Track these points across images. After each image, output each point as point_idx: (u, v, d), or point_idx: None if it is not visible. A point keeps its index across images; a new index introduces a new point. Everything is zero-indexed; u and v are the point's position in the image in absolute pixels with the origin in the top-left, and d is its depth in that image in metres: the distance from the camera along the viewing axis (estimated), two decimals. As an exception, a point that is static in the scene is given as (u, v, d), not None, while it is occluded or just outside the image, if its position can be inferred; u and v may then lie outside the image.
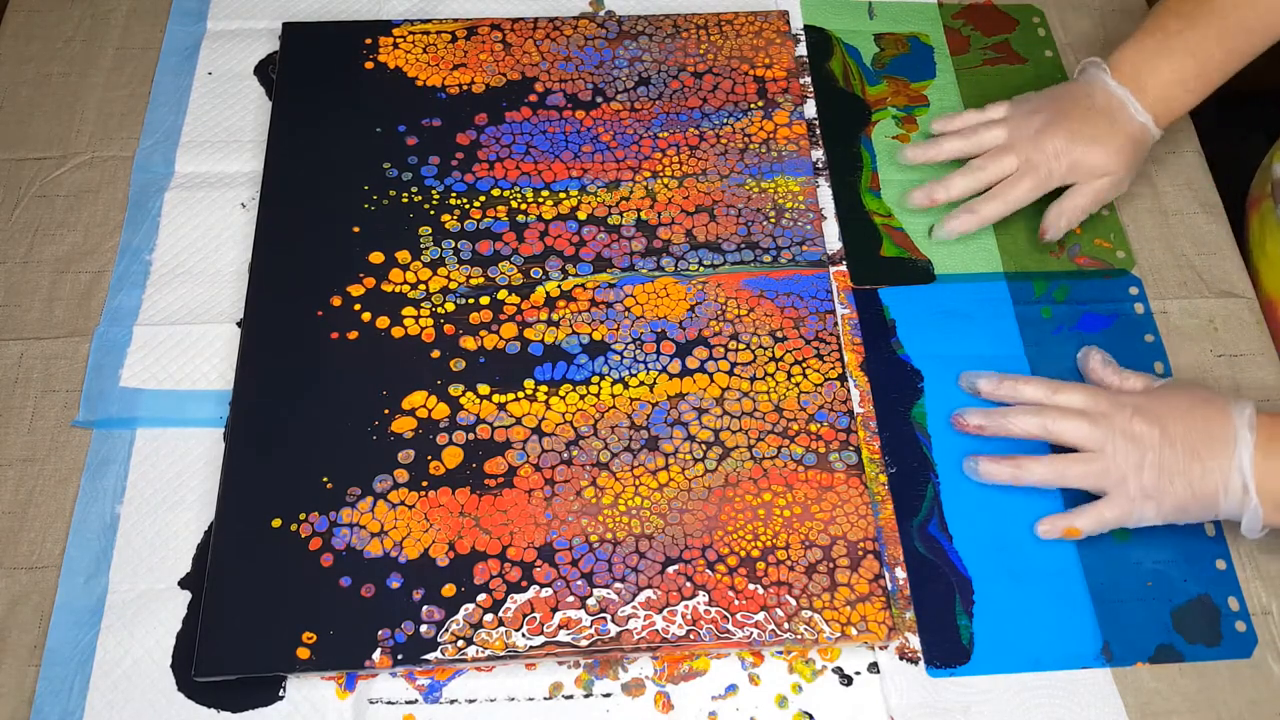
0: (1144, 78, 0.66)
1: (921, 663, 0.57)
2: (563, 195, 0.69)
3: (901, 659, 0.57)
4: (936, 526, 0.60)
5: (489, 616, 0.56)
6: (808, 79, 0.76)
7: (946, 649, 0.57)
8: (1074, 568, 0.59)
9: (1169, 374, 0.65)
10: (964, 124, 0.71)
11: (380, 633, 0.55)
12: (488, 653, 0.55)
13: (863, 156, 0.73)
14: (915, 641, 0.57)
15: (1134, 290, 0.68)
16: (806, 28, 0.78)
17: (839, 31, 0.78)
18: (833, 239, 0.69)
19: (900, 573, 0.59)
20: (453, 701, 0.56)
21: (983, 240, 0.70)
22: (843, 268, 0.68)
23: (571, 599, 0.57)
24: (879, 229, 0.70)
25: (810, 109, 0.75)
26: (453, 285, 0.66)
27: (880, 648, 0.57)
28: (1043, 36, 0.79)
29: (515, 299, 0.66)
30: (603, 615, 0.56)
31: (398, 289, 0.66)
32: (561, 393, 0.63)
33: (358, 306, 0.65)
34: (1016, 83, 0.75)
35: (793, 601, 0.57)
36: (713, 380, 0.63)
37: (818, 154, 0.73)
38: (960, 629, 0.57)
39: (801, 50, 0.77)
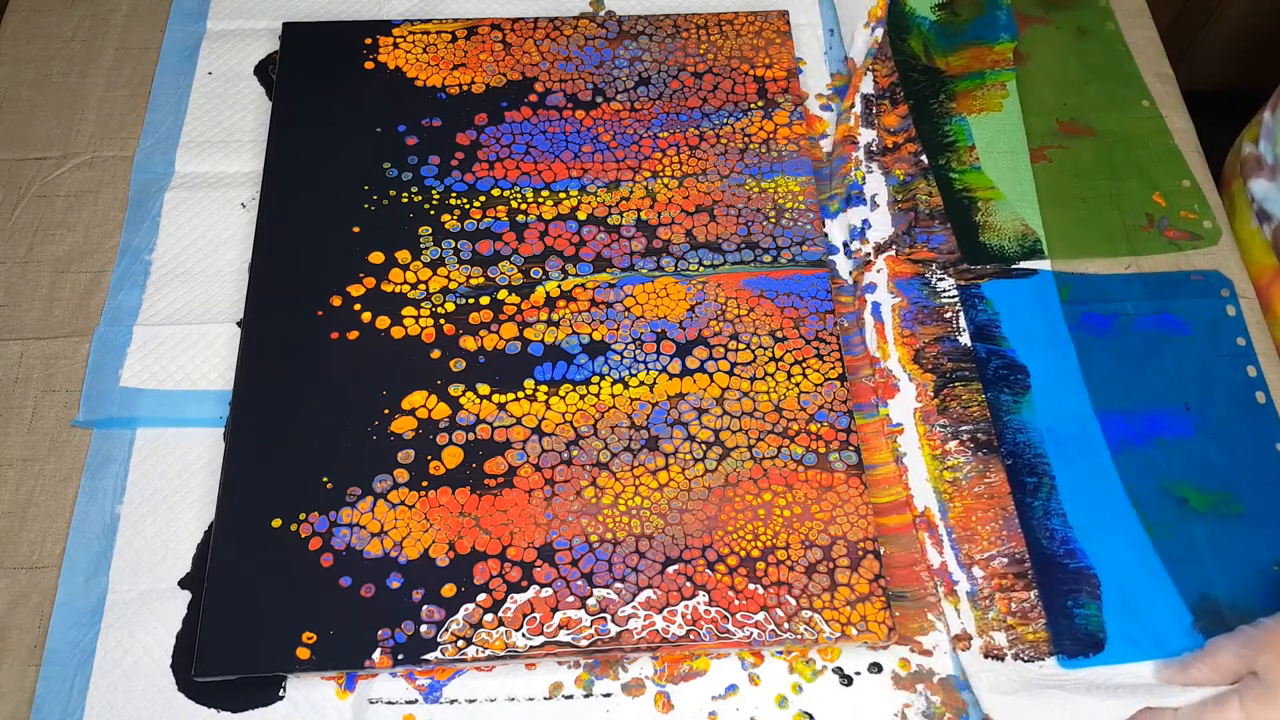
0: None
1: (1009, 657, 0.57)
2: (563, 195, 0.69)
3: (987, 657, 0.56)
4: (1057, 517, 0.60)
5: (489, 616, 0.56)
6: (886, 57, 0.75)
7: (1077, 638, 0.57)
8: (1204, 552, 0.59)
9: (1261, 379, 0.64)
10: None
11: (380, 633, 0.55)
12: (488, 653, 0.55)
13: (956, 131, 0.73)
14: (1001, 639, 0.57)
15: (1225, 292, 0.67)
16: None
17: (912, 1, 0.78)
18: (884, 226, 0.69)
19: (978, 571, 0.59)
20: (453, 701, 0.56)
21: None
22: (892, 252, 0.68)
23: (571, 599, 0.57)
24: (980, 205, 0.70)
25: (867, 84, 0.74)
26: (453, 285, 0.66)
27: (881, 648, 0.57)
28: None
29: (515, 299, 0.66)
30: (603, 615, 0.56)
31: (398, 289, 0.66)
32: (561, 393, 0.63)
33: (358, 306, 0.65)
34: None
35: (793, 601, 0.57)
36: (713, 380, 0.63)
37: (870, 134, 0.72)
38: (1089, 618, 0.57)
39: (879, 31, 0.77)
